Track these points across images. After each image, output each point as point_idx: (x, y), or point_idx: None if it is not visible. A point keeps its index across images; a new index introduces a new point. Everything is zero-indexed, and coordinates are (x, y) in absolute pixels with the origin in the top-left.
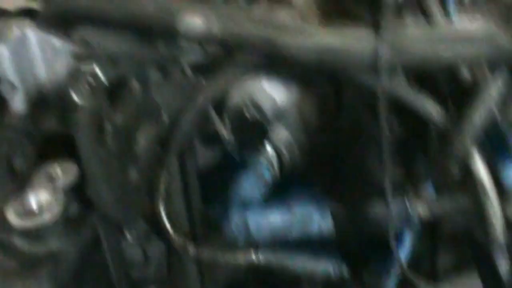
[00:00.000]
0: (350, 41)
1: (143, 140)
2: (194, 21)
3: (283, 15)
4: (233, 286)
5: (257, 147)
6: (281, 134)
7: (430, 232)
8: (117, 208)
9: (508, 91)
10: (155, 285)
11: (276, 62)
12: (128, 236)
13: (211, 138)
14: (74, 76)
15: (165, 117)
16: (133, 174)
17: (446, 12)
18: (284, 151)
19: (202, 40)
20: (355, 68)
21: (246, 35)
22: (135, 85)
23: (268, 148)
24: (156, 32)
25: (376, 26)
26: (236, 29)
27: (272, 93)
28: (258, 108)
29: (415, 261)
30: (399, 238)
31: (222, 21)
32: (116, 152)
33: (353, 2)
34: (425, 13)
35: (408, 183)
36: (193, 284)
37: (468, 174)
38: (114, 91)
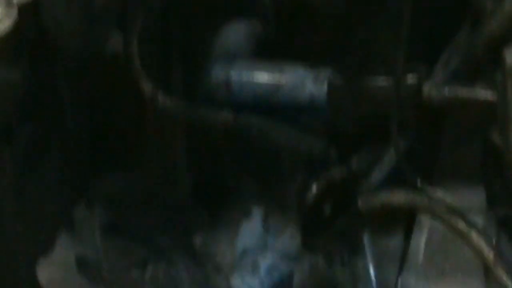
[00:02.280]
0: None
1: None
2: None
3: None
4: (205, 150)
5: None
6: None
7: (438, 120)
8: (76, 38)
9: None
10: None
11: None
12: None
13: None
14: None
15: None
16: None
17: None
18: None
19: None
20: None
21: None
22: None
23: None
24: None
25: None
26: None
27: None
28: None
29: (413, 155)
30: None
31: None
32: None
33: None
34: None
35: (423, 59)
36: (156, 138)
37: (500, 63)
38: None
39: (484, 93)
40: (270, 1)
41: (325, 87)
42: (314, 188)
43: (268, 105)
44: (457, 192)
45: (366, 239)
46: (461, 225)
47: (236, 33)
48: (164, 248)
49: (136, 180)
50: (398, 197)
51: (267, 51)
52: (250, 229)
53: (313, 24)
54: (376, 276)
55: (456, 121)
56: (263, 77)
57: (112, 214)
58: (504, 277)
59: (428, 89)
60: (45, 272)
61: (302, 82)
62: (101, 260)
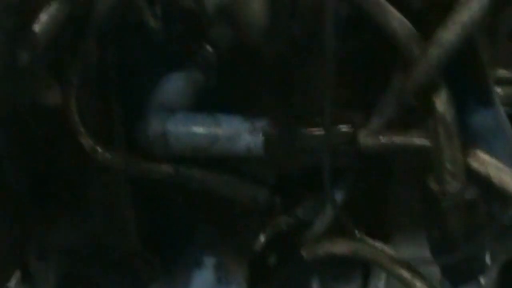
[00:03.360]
0: None
1: (47, 17)
2: None
3: None
4: (151, 200)
5: (193, 44)
6: (223, 32)
7: (375, 171)
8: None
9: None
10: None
11: None
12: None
13: (137, 27)
14: None
15: None
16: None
17: None
18: (224, 53)
19: None
20: None
21: None
22: None
23: (206, 47)
24: None
25: None
26: None
27: None
28: None
29: (354, 204)
30: (338, 173)
31: None
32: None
33: None
34: None
35: (356, 109)
36: (101, 189)
37: (429, 108)
38: None
39: (419, 140)
40: (212, 52)
41: (261, 138)
42: (261, 238)
43: (206, 157)
44: (400, 241)
45: None
46: (405, 274)
47: (175, 84)
48: None
49: (85, 232)
50: (340, 247)
51: (208, 100)
52: (202, 280)
53: (253, 74)
54: None
55: (395, 170)
56: (199, 129)
57: (66, 266)
58: None
59: (364, 137)
60: None
61: (237, 133)
62: None
